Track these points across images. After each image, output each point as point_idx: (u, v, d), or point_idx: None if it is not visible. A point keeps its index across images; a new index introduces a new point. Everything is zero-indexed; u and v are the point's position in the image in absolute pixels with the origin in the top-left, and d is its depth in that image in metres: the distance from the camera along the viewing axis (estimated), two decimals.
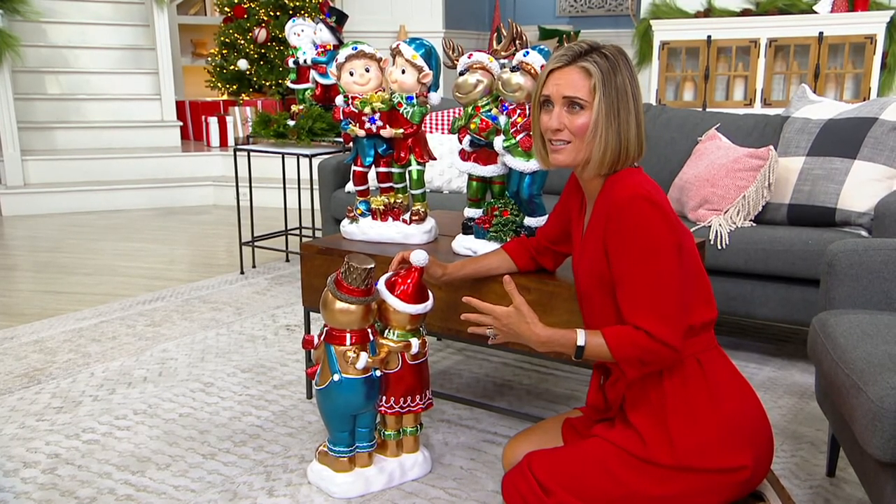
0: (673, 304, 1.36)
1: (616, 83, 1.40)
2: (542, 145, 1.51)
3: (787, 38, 5.47)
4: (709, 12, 5.74)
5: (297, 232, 4.21)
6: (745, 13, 5.62)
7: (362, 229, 2.27)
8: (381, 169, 2.22)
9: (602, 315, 1.49)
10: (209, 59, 6.46)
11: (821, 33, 5.36)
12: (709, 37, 5.65)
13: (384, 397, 1.87)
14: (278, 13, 6.00)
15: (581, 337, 1.41)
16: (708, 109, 5.46)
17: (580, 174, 1.51)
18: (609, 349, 1.39)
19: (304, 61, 3.54)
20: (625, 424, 1.49)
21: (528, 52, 1.88)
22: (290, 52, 3.62)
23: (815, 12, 5.44)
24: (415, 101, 2.09)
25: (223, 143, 6.56)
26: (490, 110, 1.96)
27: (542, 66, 1.86)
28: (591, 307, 1.53)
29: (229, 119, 6.44)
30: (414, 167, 2.18)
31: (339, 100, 2.18)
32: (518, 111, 1.90)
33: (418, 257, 1.81)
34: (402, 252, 1.83)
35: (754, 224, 2.67)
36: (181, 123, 6.58)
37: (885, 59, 5.31)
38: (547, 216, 2.00)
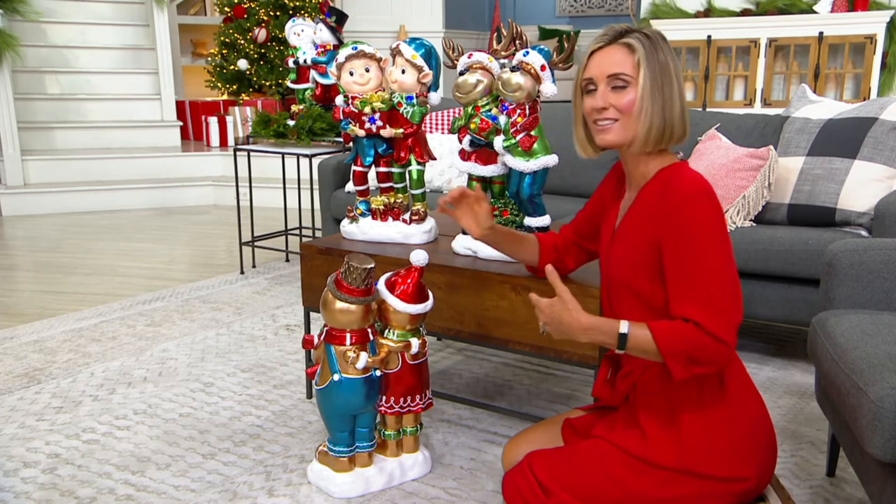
0: (729, 298, 1.32)
1: (659, 59, 1.38)
2: (585, 132, 1.49)
3: (787, 37, 5.47)
4: (709, 12, 5.74)
5: (297, 232, 4.21)
6: (744, 13, 5.62)
7: (362, 229, 2.27)
8: (381, 169, 2.22)
9: (629, 308, 1.45)
10: (209, 58, 6.46)
11: (821, 33, 5.37)
12: (709, 37, 5.65)
13: (384, 397, 1.87)
14: (278, 13, 6.00)
15: (624, 326, 1.35)
16: (708, 109, 5.46)
17: (626, 155, 1.47)
18: (655, 342, 1.32)
19: (304, 61, 3.54)
20: (628, 423, 1.48)
21: (527, 52, 1.88)
22: (290, 52, 3.62)
23: (815, 12, 5.44)
24: (415, 100, 2.09)
25: (223, 142, 6.56)
26: (490, 110, 1.96)
27: (542, 67, 1.86)
28: (619, 299, 1.49)
29: (229, 119, 6.44)
30: (414, 167, 2.18)
31: (339, 100, 2.18)
32: (518, 111, 1.90)
33: (418, 257, 1.81)
34: (460, 188, 1.69)
35: (754, 224, 2.67)
36: (181, 123, 6.58)
37: (884, 58, 5.31)
38: (547, 216, 2.00)
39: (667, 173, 1.43)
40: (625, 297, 1.47)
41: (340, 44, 3.42)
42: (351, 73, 2.13)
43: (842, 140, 2.64)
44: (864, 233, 2.56)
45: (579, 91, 1.47)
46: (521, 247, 1.75)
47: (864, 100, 5.26)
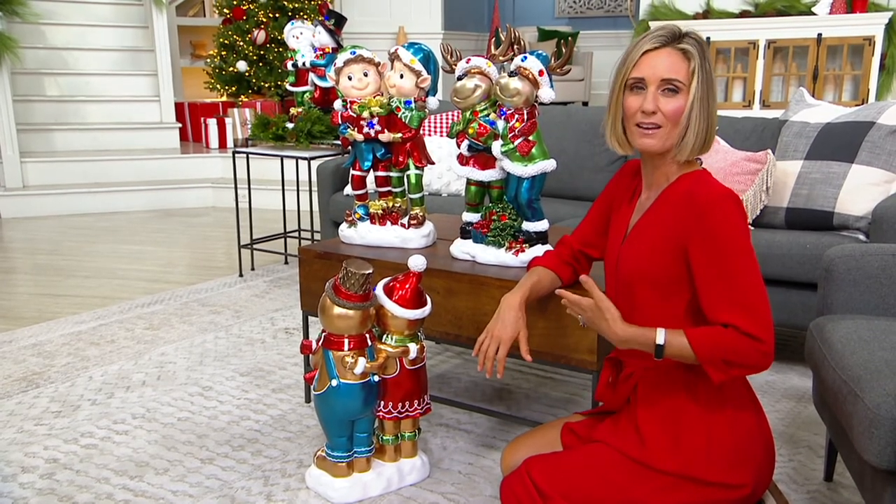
0: (762, 298, 1.34)
1: (706, 69, 1.38)
2: (623, 130, 1.47)
3: (786, 39, 5.47)
4: (707, 13, 5.75)
5: (296, 234, 4.21)
6: (743, 14, 5.62)
7: (361, 233, 2.27)
8: (380, 173, 2.22)
9: (639, 307, 1.46)
10: (208, 60, 6.46)
11: (819, 35, 5.37)
12: (707, 38, 5.65)
13: (382, 402, 1.87)
14: (277, 15, 6.01)
15: (661, 336, 1.36)
16: None
17: (657, 160, 1.46)
18: (692, 349, 1.34)
19: (303, 64, 3.54)
20: (628, 426, 1.48)
21: (525, 57, 1.87)
22: (289, 55, 3.62)
23: (814, 14, 5.44)
24: (413, 105, 2.10)
25: (222, 144, 6.56)
26: (488, 115, 1.96)
27: (540, 72, 1.85)
28: (627, 298, 1.48)
29: (228, 121, 6.44)
30: (412, 171, 2.18)
31: (337, 104, 2.18)
32: (516, 116, 1.90)
33: (416, 262, 1.81)
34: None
35: (752, 227, 2.67)
36: (180, 125, 6.58)
37: (883, 60, 5.31)
38: (545, 220, 2.00)
39: (691, 180, 1.43)
40: (634, 296, 1.47)
41: (339, 47, 3.43)
42: (349, 78, 2.13)
43: (840, 144, 2.64)
44: (861, 237, 2.56)
45: (621, 86, 1.44)
46: (547, 288, 1.73)
47: (863, 101, 5.27)
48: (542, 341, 1.86)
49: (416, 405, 1.90)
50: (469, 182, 2.09)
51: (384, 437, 1.92)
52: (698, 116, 1.38)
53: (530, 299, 1.67)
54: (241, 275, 3.92)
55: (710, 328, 1.35)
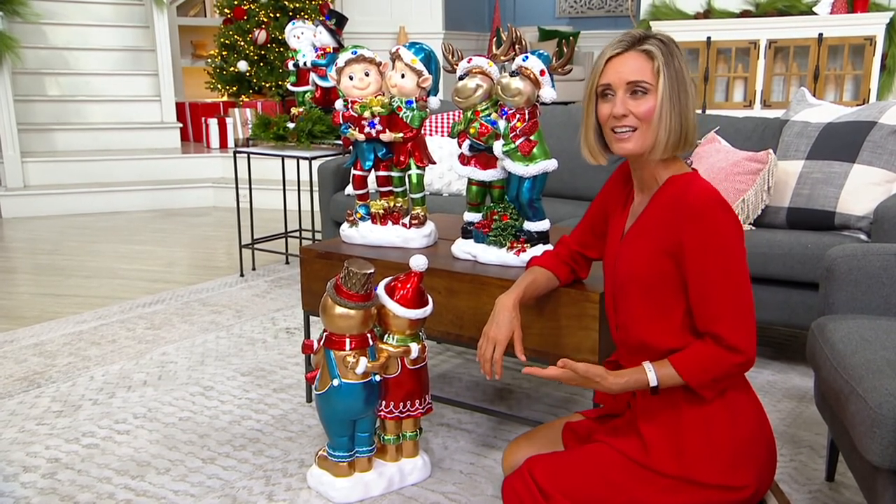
0: (750, 309, 1.36)
1: (675, 66, 1.39)
2: (597, 138, 1.48)
3: (787, 39, 5.47)
4: (708, 13, 5.74)
5: (297, 234, 4.21)
6: (744, 14, 5.62)
7: (362, 233, 2.27)
8: (381, 173, 2.22)
9: (635, 308, 1.46)
10: (209, 60, 6.46)
11: (820, 34, 5.36)
12: (708, 38, 5.65)
13: (384, 402, 1.87)
14: (278, 15, 6.01)
15: (652, 377, 1.40)
16: (707, 111, 5.46)
17: (640, 163, 1.47)
18: (683, 379, 1.39)
19: (304, 64, 3.55)
20: (629, 430, 1.48)
21: (527, 57, 1.87)
22: (290, 55, 3.62)
23: (815, 13, 5.44)
24: (414, 105, 2.09)
25: (223, 144, 6.56)
26: (489, 115, 1.96)
27: (541, 72, 1.85)
28: (625, 304, 1.49)
29: (229, 121, 6.44)
30: (413, 171, 2.18)
31: (338, 104, 2.18)
32: (517, 116, 1.90)
33: (418, 262, 1.81)
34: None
35: (753, 227, 2.67)
36: (181, 125, 6.58)
37: (884, 60, 5.31)
38: (547, 220, 2.00)
39: (679, 183, 1.43)
40: (631, 298, 1.48)
41: (340, 46, 3.43)
42: (350, 78, 2.13)
43: (841, 144, 2.64)
44: (863, 236, 2.56)
45: (593, 96, 1.46)
46: (543, 287, 1.74)
47: (864, 101, 5.27)
48: (541, 341, 1.86)
49: (417, 405, 1.90)
50: (470, 182, 2.09)
51: (385, 437, 1.92)
52: (669, 114, 1.39)
53: (525, 299, 1.67)
54: (242, 275, 3.92)
55: (693, 350, 1.39)
